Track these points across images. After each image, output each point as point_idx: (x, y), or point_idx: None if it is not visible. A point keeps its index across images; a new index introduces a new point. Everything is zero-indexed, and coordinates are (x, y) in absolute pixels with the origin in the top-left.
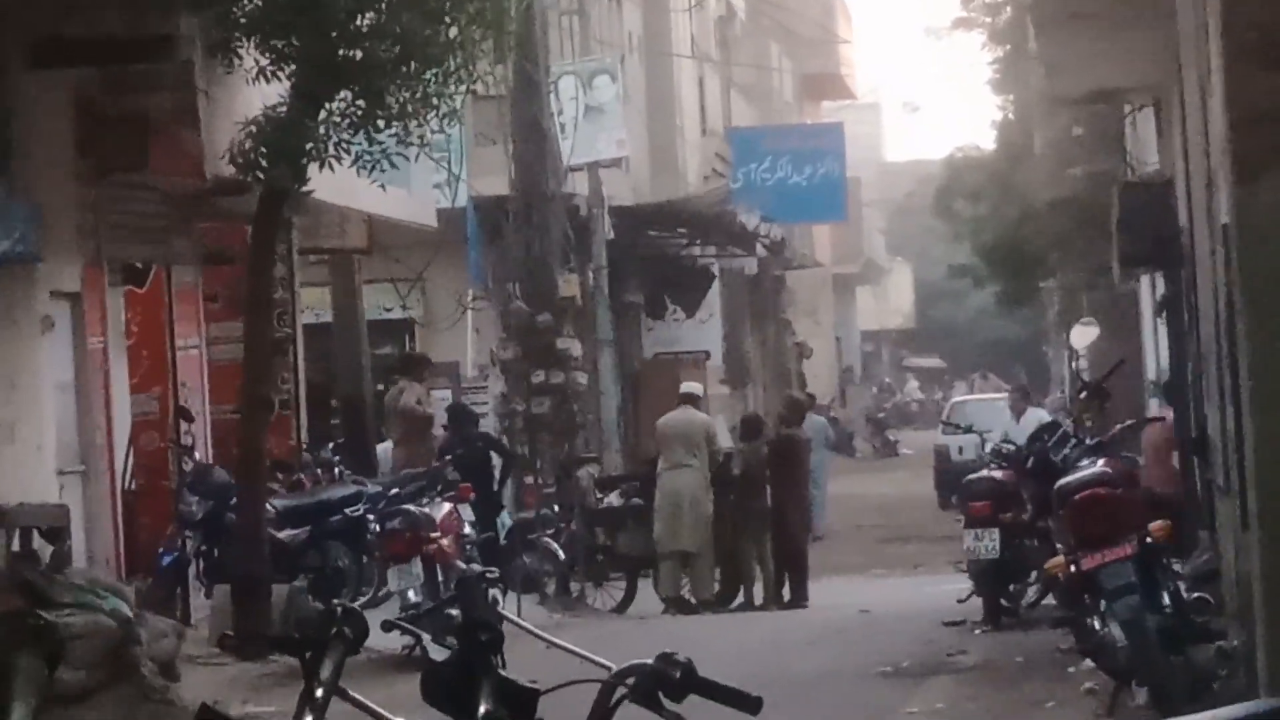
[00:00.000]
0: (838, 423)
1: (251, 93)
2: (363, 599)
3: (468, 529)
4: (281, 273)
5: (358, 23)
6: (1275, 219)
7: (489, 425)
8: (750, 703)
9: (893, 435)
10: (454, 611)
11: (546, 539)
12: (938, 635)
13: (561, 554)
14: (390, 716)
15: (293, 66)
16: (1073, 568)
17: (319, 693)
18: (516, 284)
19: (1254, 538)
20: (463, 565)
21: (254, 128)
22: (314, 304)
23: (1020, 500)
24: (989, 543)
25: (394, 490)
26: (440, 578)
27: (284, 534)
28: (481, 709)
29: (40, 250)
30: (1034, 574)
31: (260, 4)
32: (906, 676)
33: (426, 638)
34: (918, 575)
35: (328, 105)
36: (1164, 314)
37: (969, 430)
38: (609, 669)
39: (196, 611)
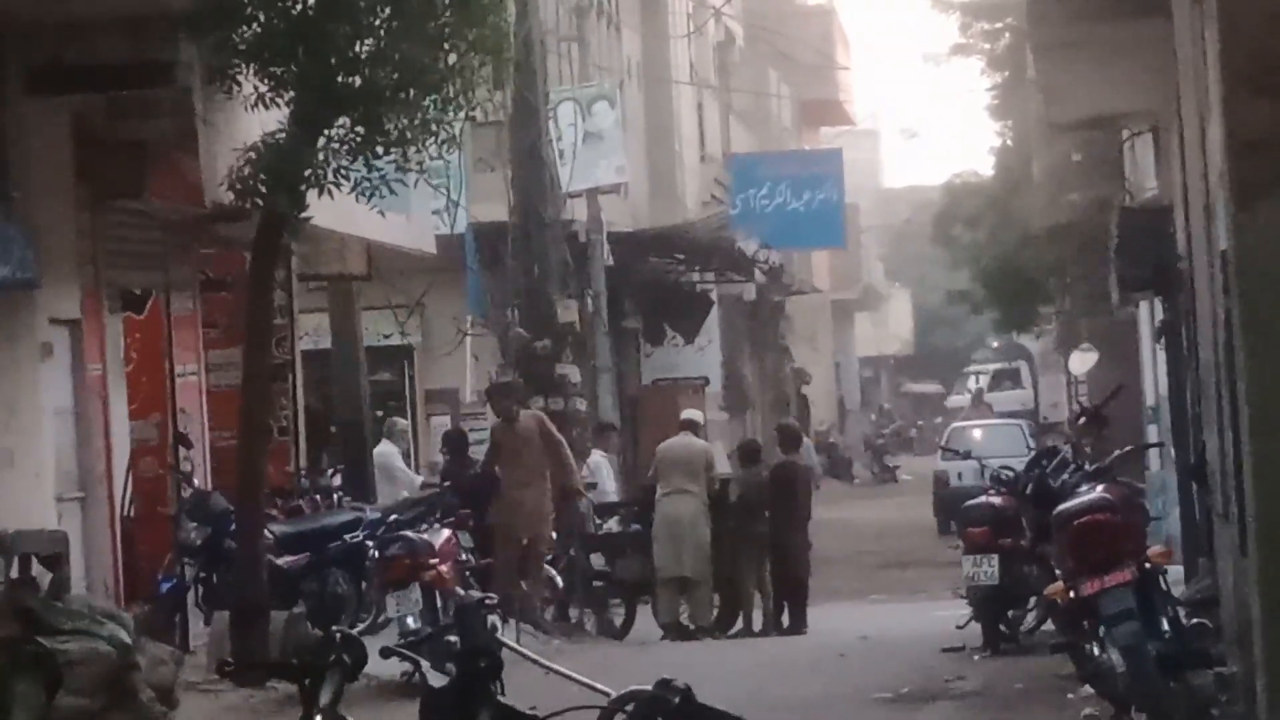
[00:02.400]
0: (837, 449)
1: (251, 119)
2: (361, 625)
3: (466, 555)
4: (280, 299)
5: (357, 49)
6: (1274, 244)
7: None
8: None
9: (891, 461)
10: (453, 638)
11: (544, 565)
12: (937, 661)
13: (559, 581)
14: None
15: (292, 93)
16: (1072, 593)
17: (318, 719)
18: (515, 310)
19: (1253, 564)
20: (462, 592)
21: (253, 154)
22: (313, 330)
23: (1019, 526)
24: (988, 568)
25: (392, 516)
26: (439, 604)
27: (283, 560)
28: None
29: (39, 276)
30: (1033, 600)
31: (259, 30)
32: (905, 703)
33: (425, 664)
34: (917, 601)
35: (327, 132)
36: (1163, 339)
37: (967, 456)
38: (608, 695)
39: (195, 638)
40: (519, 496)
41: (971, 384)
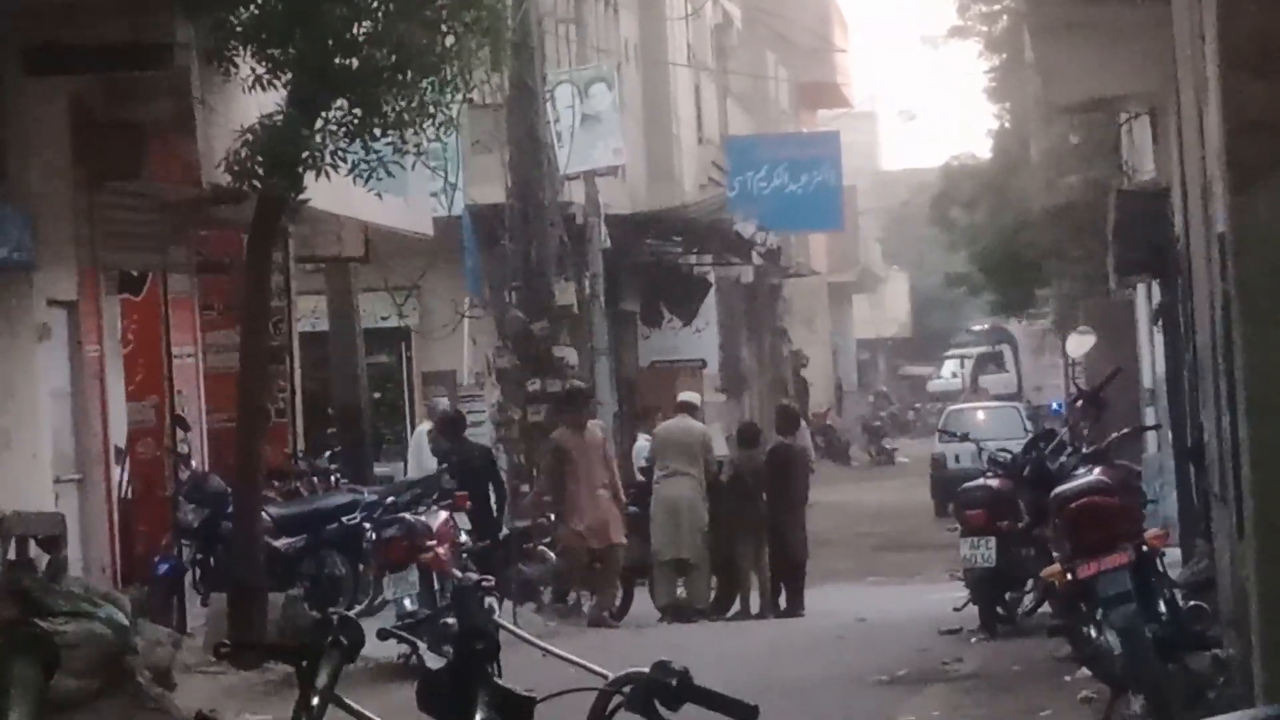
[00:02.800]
0: (834, 431)
1: (248, 101)
2: (359, 607)
3: (464, 537)
4: (278, 281)
5: (354, 31)
6: (1271, 227)
7: (486, 433)
8: (746, 711)
9: (889, 443)
10: (450, 620)
11: (542, 547)
12: (934, 643)
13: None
14: None
15: (289, 75)
16: (1069, 576)
17: (315, 701)
18: (513, 292)
19: (1250, 546)
20: (459, 574)
21: (250, 136)
22: (310, 312)
23: (1016, 509)
24: (985, 551)
25: (390, 499)
26: (436, 586)
27: (280, 542)
28: (478, 717)
29: (36, 258)
30: (1030, 582)
31: (257, 12)
32: (903, 685)
33: (423, 646)
34: (914, 583)
35: (324, 114)
36: (1160, 322)
37: (965, 438)
38: (605, 677)
39: (193, 620)
40: (593, 504)
41: (949, 368)
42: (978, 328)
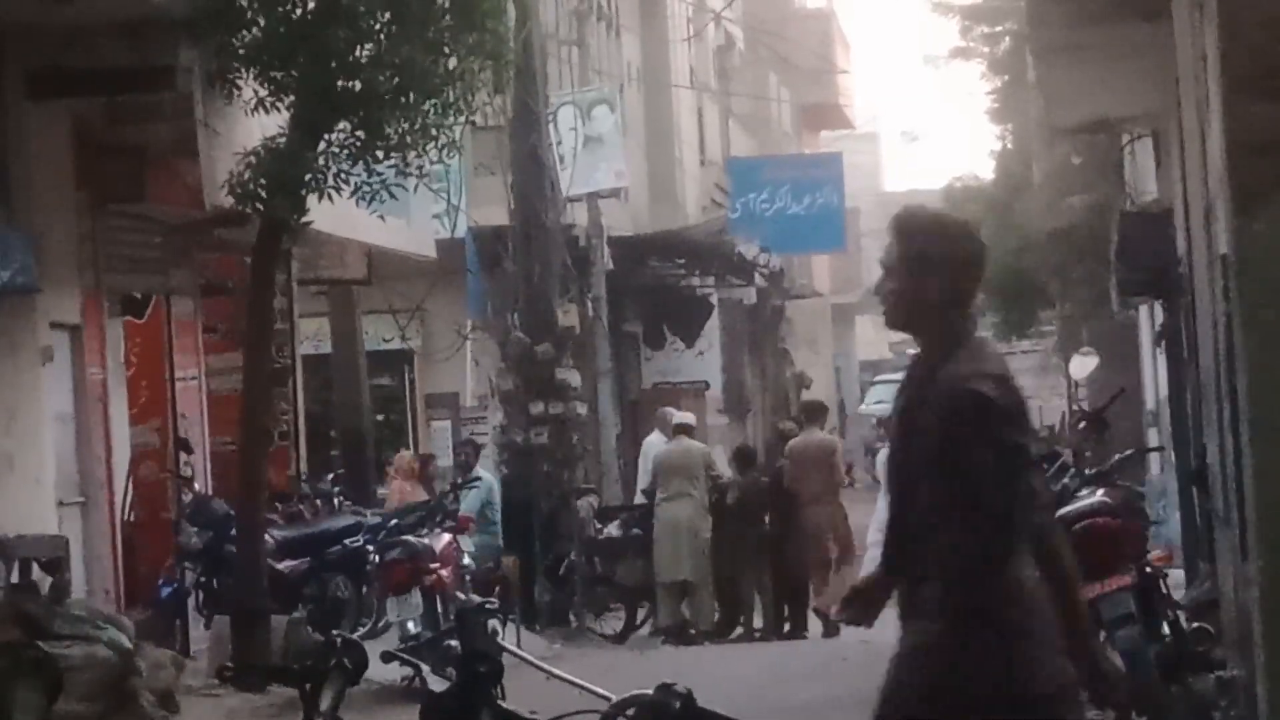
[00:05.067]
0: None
1: (251, 124)
2: (362, 630)
3: (467, 560)
4: (281, 304)
5: (357, 54)
6: (1274, 249)
7: (488, 455)
8: None
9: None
10: (453, 642)
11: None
12: None
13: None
14: None
15: (292, 97)
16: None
17: None
18: (515, 314)
19: (1254, 568)
20: (462, 596)
21: (253, 158)
22: (313, 335)
23: None
24: None
25: (393, 521)
26: (440, 609)
27: (283, 565)
28: None
29: (39, 281)
30: None
31: (259, 35)
32: None
33: (426, 669)
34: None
35: (327, 136)
36: (1163, 344)
37: None
38: (608, 699)
39: (195, 643)
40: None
41: (876, 395)
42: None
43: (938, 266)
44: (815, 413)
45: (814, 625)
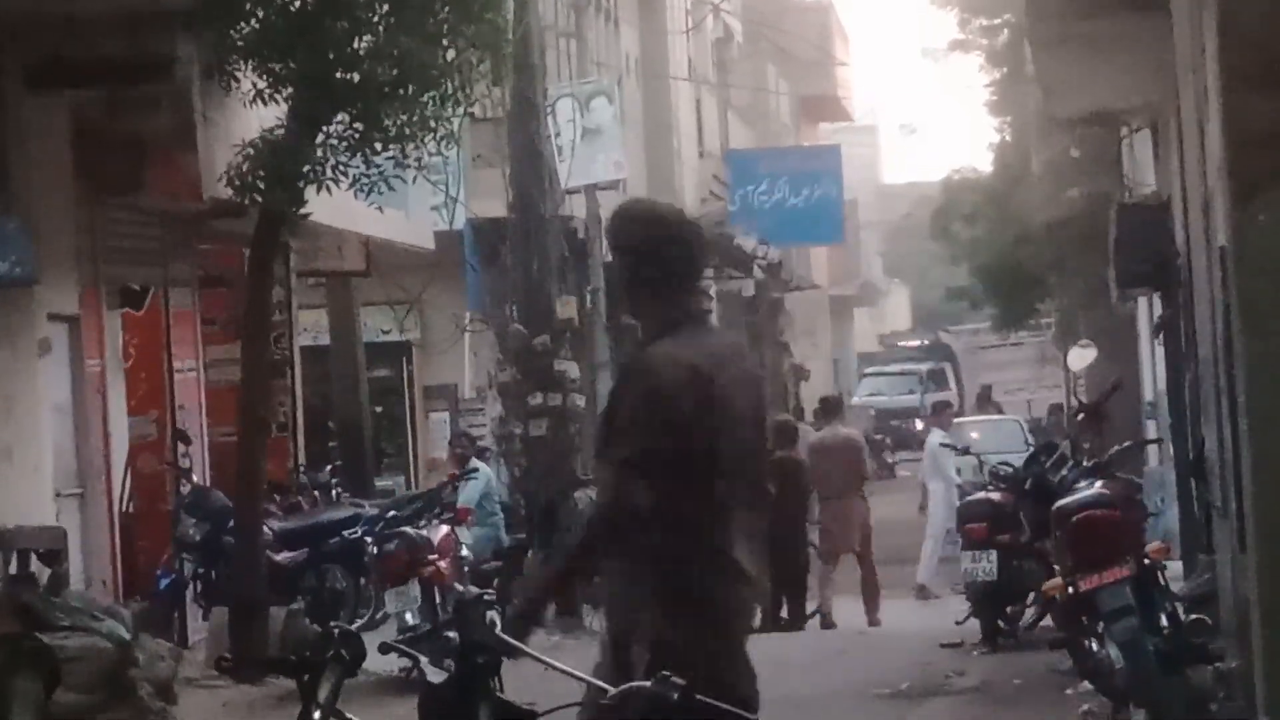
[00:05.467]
0: None
1: (249, 115)
2: (360, 621)
3: (465, 551)
4: (279, 295)
5: (355, 46)
6: (1273, 241)
7: (486, 447)
8: None
9: (890, 457)
10: (452, 634)
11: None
12: (935, 657)
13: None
14: None
15: (290, 89)
16: (1070, 589)
17: (316, 715)
18: (514, 306)
19: (1251, 559)
20: (460, 588)
21: (251, 150)
22: (311, 326)
23: (1018, 522)
24: (986, 564)
25: (391, 513)
26: (438, 600)
27: (281, 556)
28: None
29: (38, 273)
30: (1031, 596)
31: (258, 27)
32: (904, 698)
33: (424, 660)
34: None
35: (325, 128)
36: (1161, 335)
37: (965, 451)
38: (607, 691)
39: (194, 634)
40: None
41: (869, 387)
42: (914, 344)
43: (647, 254)
44: (834, 408)
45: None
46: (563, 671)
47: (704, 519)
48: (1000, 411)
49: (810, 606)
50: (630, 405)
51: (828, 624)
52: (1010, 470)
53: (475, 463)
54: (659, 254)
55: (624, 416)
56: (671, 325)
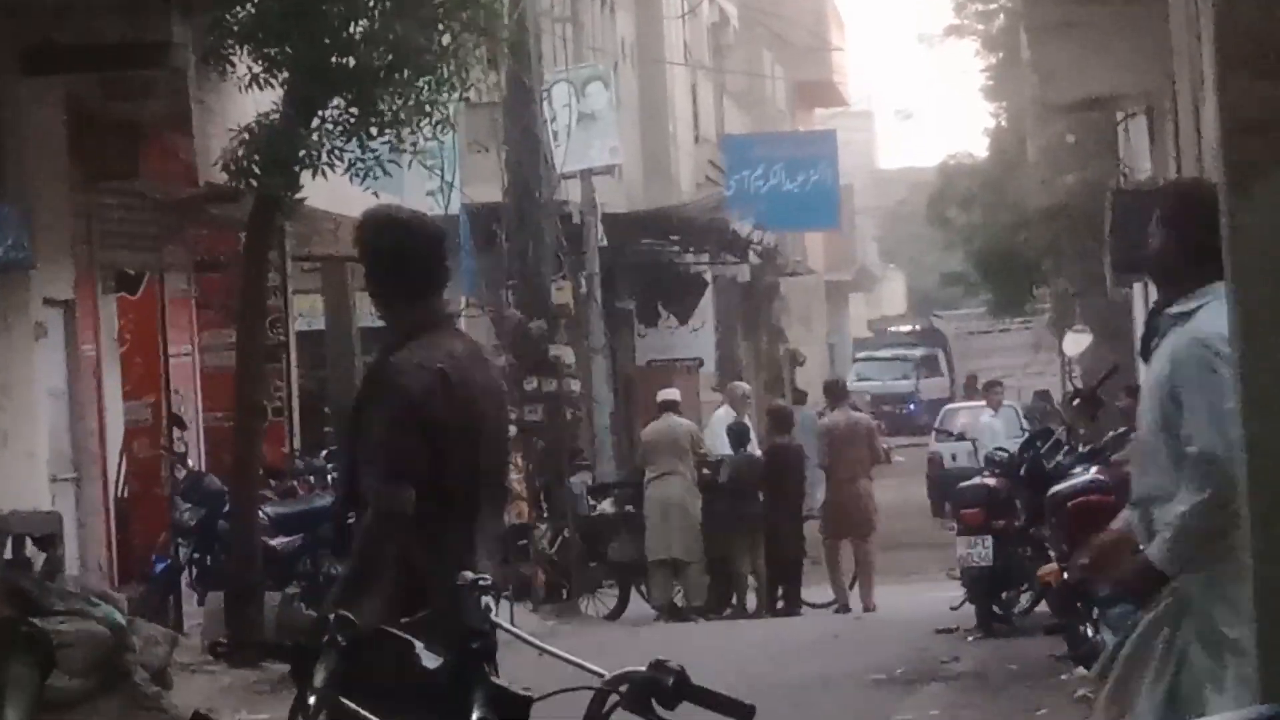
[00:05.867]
0: None
1: (245, 100)
2: None
3: None
4: (274, 280)
5: (350, 30)
6: (1269, 228)
7: None
8: (743, 710)
9: (885, 443)
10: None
11: (524, 546)
12: (931, 643)
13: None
14: None
15: (286, 74)
16: (1065, 575)
17: (312, 700)
18: (509, 291)
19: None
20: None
21: (247, 135)
22: (307, 311)
23: (1013, 508)
24: (982, 550)
25: None
26: None
27: (277, 541)
28: (474, 716)
29: (33, 257)
30: (1027, 581)
31: (253, 11)
32: (899, 684)
33: (419, 645)
34: (911, 583)
35: (321, 113)
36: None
37: (961, 438)
38: (602, 676)
39: (189, 619)
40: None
41: (859, 371)
42: (905, 329)
43: (388, 260)
44: (840, 391)
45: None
46: (558, 657)
47: (444, 520)
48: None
49: (815, 594)
50: (375, 412)
51: (844, 609)
52: (1006, 456)
53: None
54: (400, 261)
55: (371, 423)
56: (413, 331)
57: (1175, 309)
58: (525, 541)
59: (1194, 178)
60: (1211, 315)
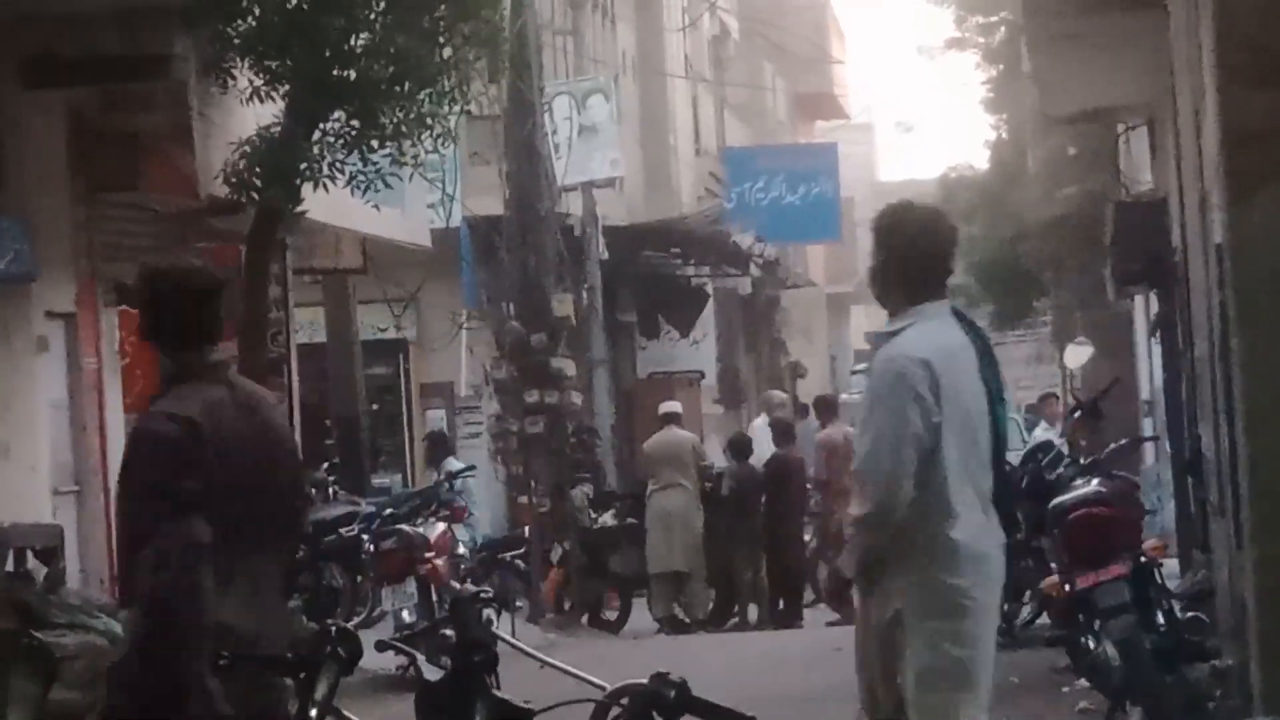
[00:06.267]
0: None
1: (246, 113)
2: (357, 619)
3: (461, 549)
4: (275, 293)
5: (352, 43)
6: (1268, 238)
7: (483, 444)
8: None
9: None
10: (448, 631)
11: (515, 558)
12: None
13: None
14: None
15: (287, 86)
16: (1067, 587)
17: (313, 712)
18: (510, 304)
19: (1248, 557)
20: (457, 585)
21: (248, 148)
22: (308, 324)
23: (1014, 519)
24: None
25: (388, 510)
26: (435, 598)
27: None
28: None
29: (34, 270)
30: (1028, 593)
31: (255, 24)
32: None
33: (421, 658)
34: None
35: (322, 125)
36: (1158, 333)
37: None
38: (603, 689)
39: None
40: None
41: (857, 385)
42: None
43: (157, 309)
44: (831, 406)
45: (809, 615)
46: (559, 669)
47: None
48: None
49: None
50: (132, 471)
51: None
52: (1007, 467)
53: (454, 461)
54: (166, 310)
55: (132, 483)
56: (174, 381)
57: (887, 328)
58: (503, 554)
59: (906, 201)
60: (912, 336)
